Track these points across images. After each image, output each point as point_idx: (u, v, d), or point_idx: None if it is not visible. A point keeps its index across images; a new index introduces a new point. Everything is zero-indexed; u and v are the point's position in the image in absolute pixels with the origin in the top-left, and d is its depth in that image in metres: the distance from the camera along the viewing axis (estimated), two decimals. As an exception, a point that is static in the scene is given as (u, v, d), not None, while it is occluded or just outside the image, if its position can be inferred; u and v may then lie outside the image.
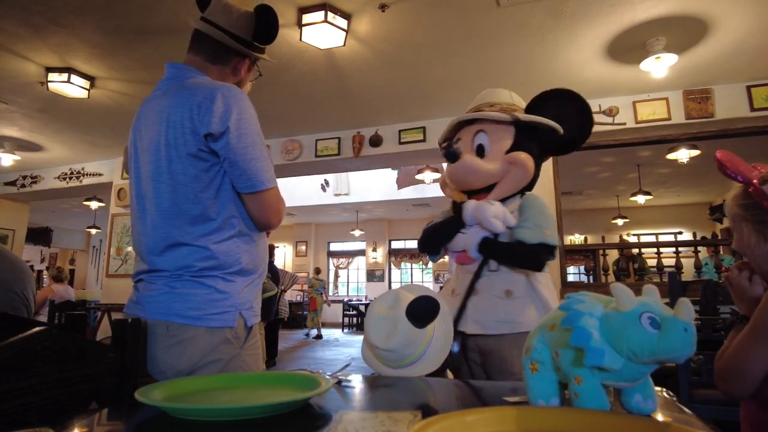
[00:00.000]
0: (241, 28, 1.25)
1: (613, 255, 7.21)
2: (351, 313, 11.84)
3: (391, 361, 1.10)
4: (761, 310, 1.02)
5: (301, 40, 3.36)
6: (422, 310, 1.10)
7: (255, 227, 1.19)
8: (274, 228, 1.23)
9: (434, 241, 1.51)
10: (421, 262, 13.26)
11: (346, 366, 1.11)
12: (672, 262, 4.57)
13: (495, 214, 1.38)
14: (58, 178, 6.93)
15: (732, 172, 1.08)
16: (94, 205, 8.56)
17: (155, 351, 1.06)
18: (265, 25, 1.28)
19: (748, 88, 4.26)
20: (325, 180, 10.74)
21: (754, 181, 1.07)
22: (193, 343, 1.06)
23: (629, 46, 3.67)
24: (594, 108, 4.60)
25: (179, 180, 1.10)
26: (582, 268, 8.62)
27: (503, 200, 1.45)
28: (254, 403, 0.75)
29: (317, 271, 11.65)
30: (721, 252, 5.26)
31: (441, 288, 1.62)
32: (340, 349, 8.53)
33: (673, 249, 4.73)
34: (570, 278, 8.17)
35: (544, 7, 3.19)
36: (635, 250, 6.55)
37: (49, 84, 4.06)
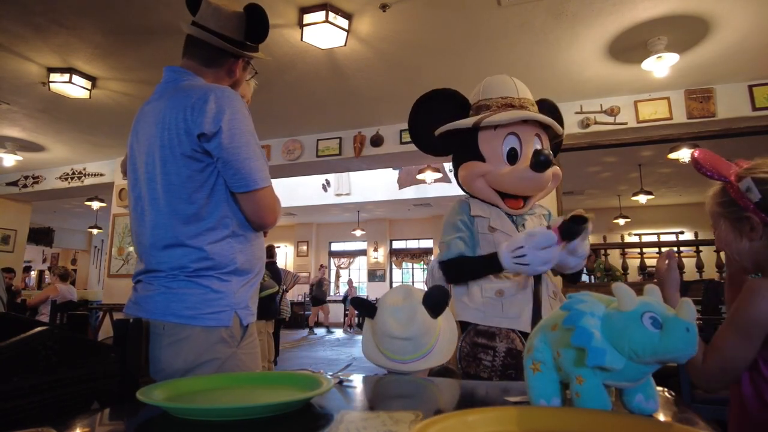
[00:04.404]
0: (232, 30, 1.25)
1: (615, 255, 7.20)
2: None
3: (407, 353, 1.11)
4: (739, 303, 1.04)
5: (302, 40, 3.36)
6: (437, 300, 1.15)
7: (250, 227, 1.19)
8: (269, 227, 1.23)
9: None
10: (422, 262, 13.25)
11: (348, 366, 1.11)
12: (674, 261, 4.56)
13: None
14: (60, 178, 6.94)
15: (708, 171, 1.08)
16: (95, 205, 8.57)
17: (153, 351, 1.07)
18: (256, 24, 1.28)
19: (750, 87, 4.26)
20: (327, 180, 10.74)
21: (731, 178, 1.07)
22: (188, 343, 1.07)
23: (630, 46, 3.67)
24: (595, 108, 4.65)
25: (173, 181, 1.11)
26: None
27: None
28: (255, 402, 0.75)
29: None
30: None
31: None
32: (342, 348, 8.53)
33: (675, 249, 4.72)
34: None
35: (545, 6, 3.18)
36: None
37: (50, 84, 4.07)
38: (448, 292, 1.16)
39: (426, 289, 1.22)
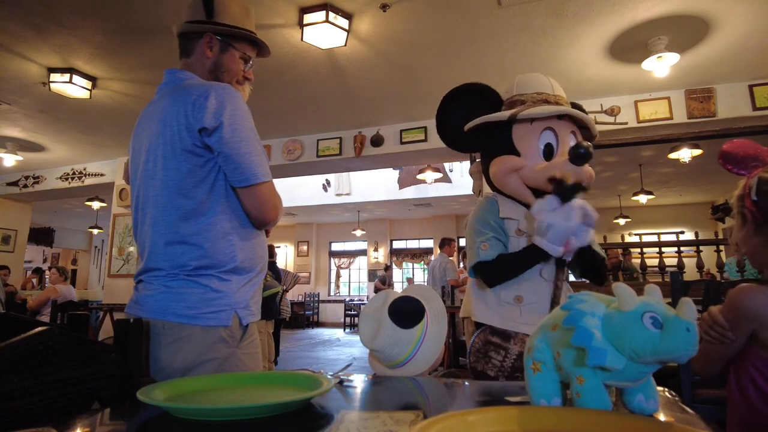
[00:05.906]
0: (192, 13, 1.27)
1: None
2: (352, 313, 11.85)
3: (383, 361, 1.11)
4: (727, 299, 1.11)
5: (302, 40, 3.36)
6: (405, 311, 1.10)
7: (250, 224, 1.19)
8: (270, 224, 1.23)
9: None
10: (422, 262, 13.25)
11: (348, 366, 1.11)
12: (674, 261, 4.56)
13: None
14: (60, 178, 6.95)
15: (727, 164, 1.12)
16: (96, 205, 8.58)
17: (153, 350, 1.07)
18: None
19: (751, 87, 4.26)
20: (327, 180, 10.75)
21: (752, 173, 1.11)
22: (188, 342, 1.07)
23: (631, 46, 3.67)
24: (596, 107, 4.65)
25: (173, 176, 1.12)
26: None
27: None
28: (256, 402, 0.74)
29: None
30: (723, 252, 5.24)
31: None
32: (342, 349, 8.53)
33: (675, 249, 4.72)
34: (571, 278, 8.14)
35: (545, 6, 3.18)
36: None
37: (51, 84, 4.07)
38: (419, 303, 1.11)
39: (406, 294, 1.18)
